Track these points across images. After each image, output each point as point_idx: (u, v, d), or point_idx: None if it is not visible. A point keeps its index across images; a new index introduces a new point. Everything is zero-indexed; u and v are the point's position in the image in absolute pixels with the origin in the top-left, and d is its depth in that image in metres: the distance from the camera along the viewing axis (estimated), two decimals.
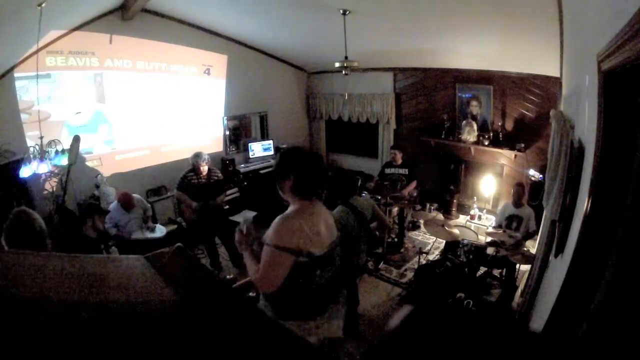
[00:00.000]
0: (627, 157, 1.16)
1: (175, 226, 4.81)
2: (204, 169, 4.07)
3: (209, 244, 4.39)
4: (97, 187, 4.50)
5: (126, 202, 3.96)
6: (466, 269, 3.58)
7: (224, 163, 5.97)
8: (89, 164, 4.69)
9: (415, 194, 5.21)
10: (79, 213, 3.73)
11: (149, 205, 4.45)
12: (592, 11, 1.61)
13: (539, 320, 1.96)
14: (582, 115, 1.83)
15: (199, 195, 4.08)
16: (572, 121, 2.17)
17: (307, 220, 1.53)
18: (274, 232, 1.48)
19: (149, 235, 4.02)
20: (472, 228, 4.65)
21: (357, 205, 2.86)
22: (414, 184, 5.08)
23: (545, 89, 4.64)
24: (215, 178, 4.21)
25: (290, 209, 1.58)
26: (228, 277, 1.94)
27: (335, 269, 1.67)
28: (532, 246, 4.08)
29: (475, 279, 3.69)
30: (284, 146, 6.71)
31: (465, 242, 3.79)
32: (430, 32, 4.38)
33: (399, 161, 5.18)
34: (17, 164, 3.61)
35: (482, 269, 3.83)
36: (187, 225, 4.58)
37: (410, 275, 4.18)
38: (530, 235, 3.97)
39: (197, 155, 4.03)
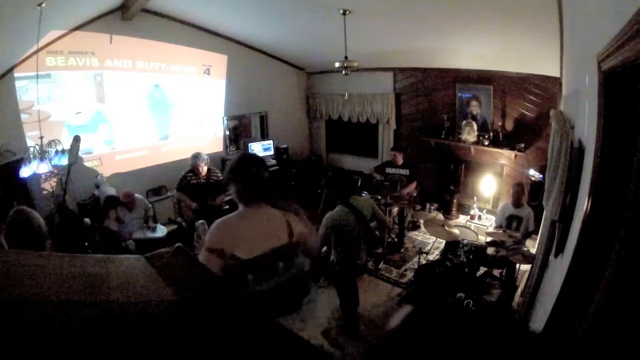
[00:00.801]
0: (627, 157, 1.16)
1: (175, 226, 4.82)
2: (203, 169, 4.07)
3: None
4: (97, 187, 4.51)
5: (129, 201, 3.97)
6: (466, 269, 3.58)
7: (224, 163, 5.96)
8: (89, 164, 4.69)
9: (415, 194, 5.21)
10: (102, 206, 3.79)
11: (150, 205, 4.45)
12: (592, 11, 1.61)
13: (539, 320, 1.96)
14: (582, 115, 1.83)
15: (198, 195, 4.08)
16: (572, 121, 2.17)
17: (239, 223, 1.55)
18: (207, 235, 1.54)
19: (150, 235, 4.02)
20: (472, 228, 4.65)
21: (356, 205, 2.87)
22: (414, 184, 5.08)
23: (545, 89, 4.64)
24: (215, 178, 4.21)
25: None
26: None
27: (287, 278, 1.58)
28: (532, 246, 4.08)
29: (475, 279, 3.69)
30: (284, 146, 6.71)
31: (465, 242, 3.79)
32: (430, 32, 4.38)
33: (400, 162, 5.17)
34: (17, 164, 3.61)
35: (482, 269, 3.83)
36: (187, 225, 4.58)
37: (410, 275, 4.18)
38: (530, 234, 3.97)
39: (196, 156, 4.03)
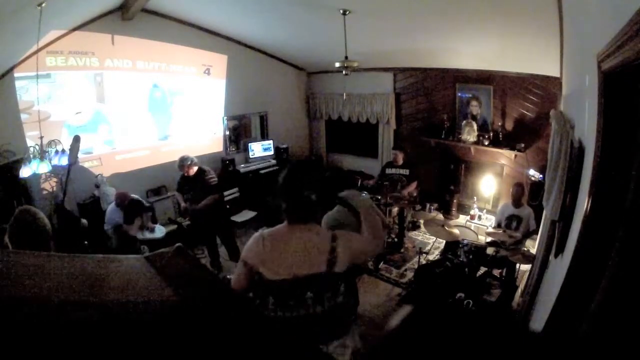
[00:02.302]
0: (627, 157, 1.16)
1: (175, 226, 4.82)
2: (192, 170, 4.01)
3: (209, 244, 4.39)
4: (97, 187, 4.51)
5: (123, 202, 3.97)
6: (466, 269, 3.58)
7: (224, 163, 5.96)
8: (88, 164, 4.69)
9: (415, 194, 5.21)
10: (125, 211, 3.79)
11: (147, 204, 4.45)
12: (592, 11, 1.61)
13: (539, 320, 1.96)
14: (582, 115, 1.83)
15: (189, 197, 4.08)
16: (572, 121, 2.17)
17: (273, 239, 1.44)
18: (246, 245, 1.53)
19: (149, 235, 4.02)
20: (472, 228, 4.65)
21: (354, 205, 2.86)
22: (414, 184, 5.08)
23: (545, 89, 4.64)
24: (205, 181, 4.09)
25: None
26: (228, 277, 1.94)
27: (310, 315, 1.39)
28: (532, 246, 4.09)
29: (475, 279, 3.69)
30: (284, 146, 6.69)
31: (465, 242, 3.79)
32: (430, 32, 4.37)
33: (400, 161, 5.18)
34: (17, 164, 3.61)
35: (482, 269, 3.83)
36: (188, 226, 4.58)
37: (410, 275, 4.18)
38: (530, 234, 3.97)
39: (182, 160, 3.98)
